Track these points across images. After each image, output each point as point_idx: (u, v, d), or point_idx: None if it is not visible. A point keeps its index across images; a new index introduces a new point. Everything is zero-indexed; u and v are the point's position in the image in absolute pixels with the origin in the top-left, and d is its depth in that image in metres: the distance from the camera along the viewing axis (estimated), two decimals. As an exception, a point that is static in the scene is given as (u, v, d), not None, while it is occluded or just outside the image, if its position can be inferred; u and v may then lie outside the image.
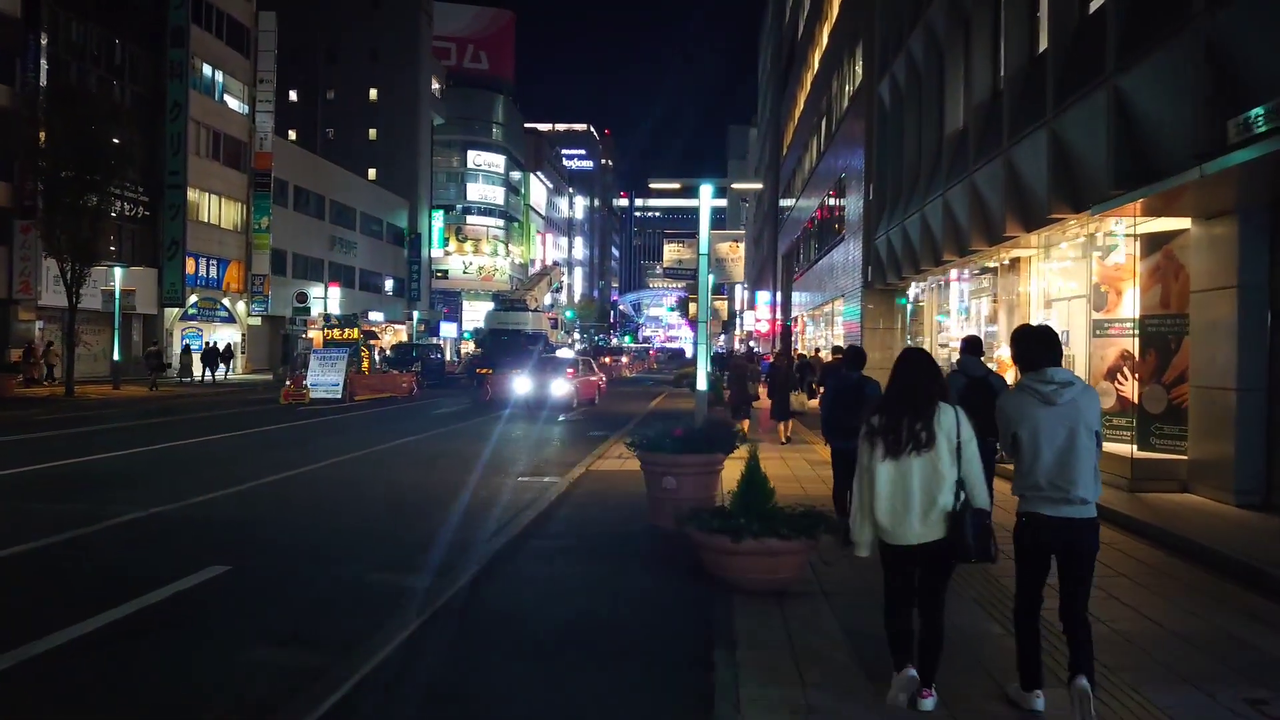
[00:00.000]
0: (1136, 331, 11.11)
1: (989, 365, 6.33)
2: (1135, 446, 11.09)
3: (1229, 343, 9.70)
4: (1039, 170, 12.18)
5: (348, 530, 9.31)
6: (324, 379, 26.26)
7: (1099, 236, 12.28)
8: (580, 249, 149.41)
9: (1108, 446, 11.55)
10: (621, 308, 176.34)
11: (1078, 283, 14.35)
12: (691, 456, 8.51)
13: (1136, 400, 11.28)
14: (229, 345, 45.17)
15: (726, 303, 38.81)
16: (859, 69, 27.11)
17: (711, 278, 12.72)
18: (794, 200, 47.63)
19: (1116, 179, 9.81)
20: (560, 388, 25.37)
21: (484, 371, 35.27)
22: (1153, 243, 10.89)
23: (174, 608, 6.59)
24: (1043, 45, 12.73)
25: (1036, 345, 4.56)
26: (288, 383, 27.33)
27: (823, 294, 34.80)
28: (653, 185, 14.05)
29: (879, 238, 23.31)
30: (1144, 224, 10.81)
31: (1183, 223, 10.54)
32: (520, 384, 25.57)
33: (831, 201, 32.50)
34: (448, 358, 61.13)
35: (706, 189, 14.14)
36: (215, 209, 47.11)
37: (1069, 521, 4.34)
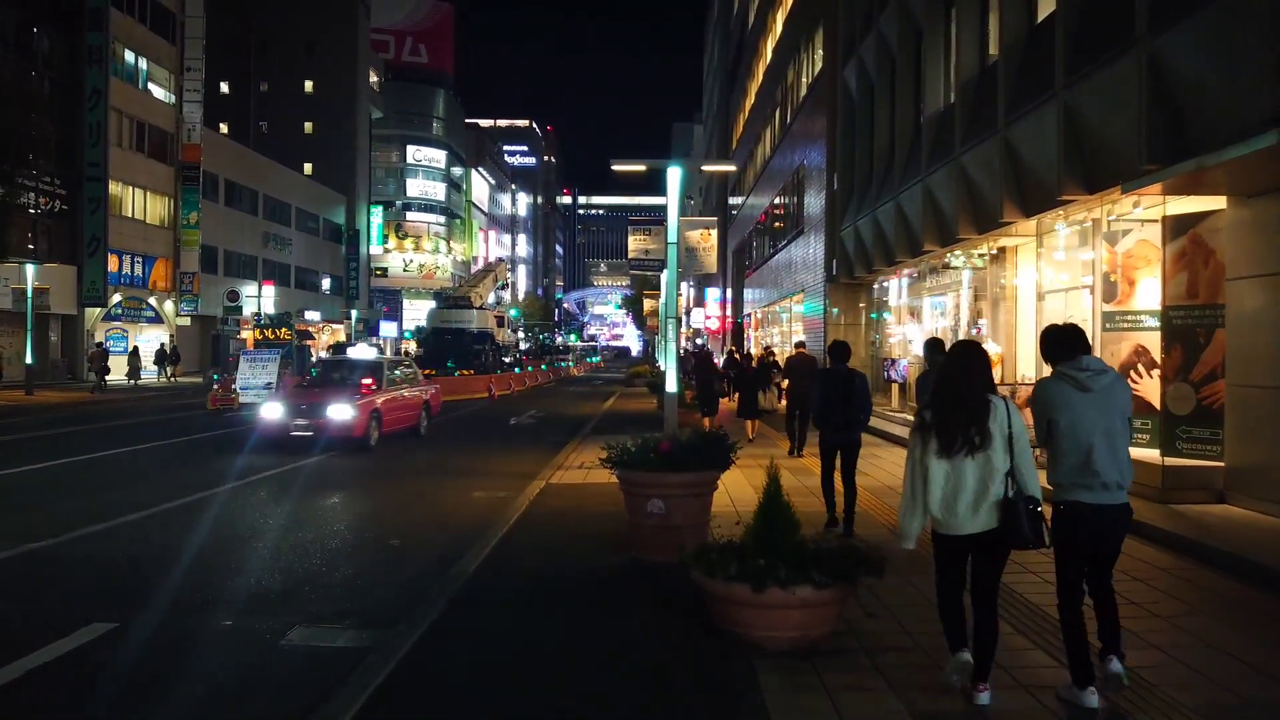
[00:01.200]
0: (1160, 325, 10.04)
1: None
2: (1159, 451, 10.03)
3: (1272, 336, 8.65)
4: (1045, 149, 11.08)
5: (264, 569, 7.82)
6: (254, 382, 24.43)
7: (1105, 222, 11.22)
8: (524, 246, 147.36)
9: (1135, 453, 10.49)
10: (566, 306, 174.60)
11: (1069, 274, 13.35)
12: (682, 475, 7.17)
13: (1159, 400, 10.22)
14: (175, 347, 42.92)
15: (680, 299, 37.63)
16: (819, 55, 26.01)
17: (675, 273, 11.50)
18: (745, 195, 46.59)
19: (1150, 153, 8.70)
20: (340, 413, 15.53)
21: (426, 373, 33.64)
22: (1177, 226, 9.82)
23: (30, 688, 5.09)
24: (1047, 8, 11.63)
25: (1067, 338, 4.62)
26: (215, 387, 25.41)
27: (779, 290, 33.73)
28: (616, 168, 12.71)
29: (845, 229, 22.22)
30: (1171, 204, 9.74)
31: (1213, 203, 9.48)
32: (270, 410, 16.30)
33: (788, 194, 31.42)
34: (388, 357, 59.28)
35: (675, 172, 12.84)
36: (140, 203, 44.68)
37: (1109, 508, 4.40)
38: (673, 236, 12.71)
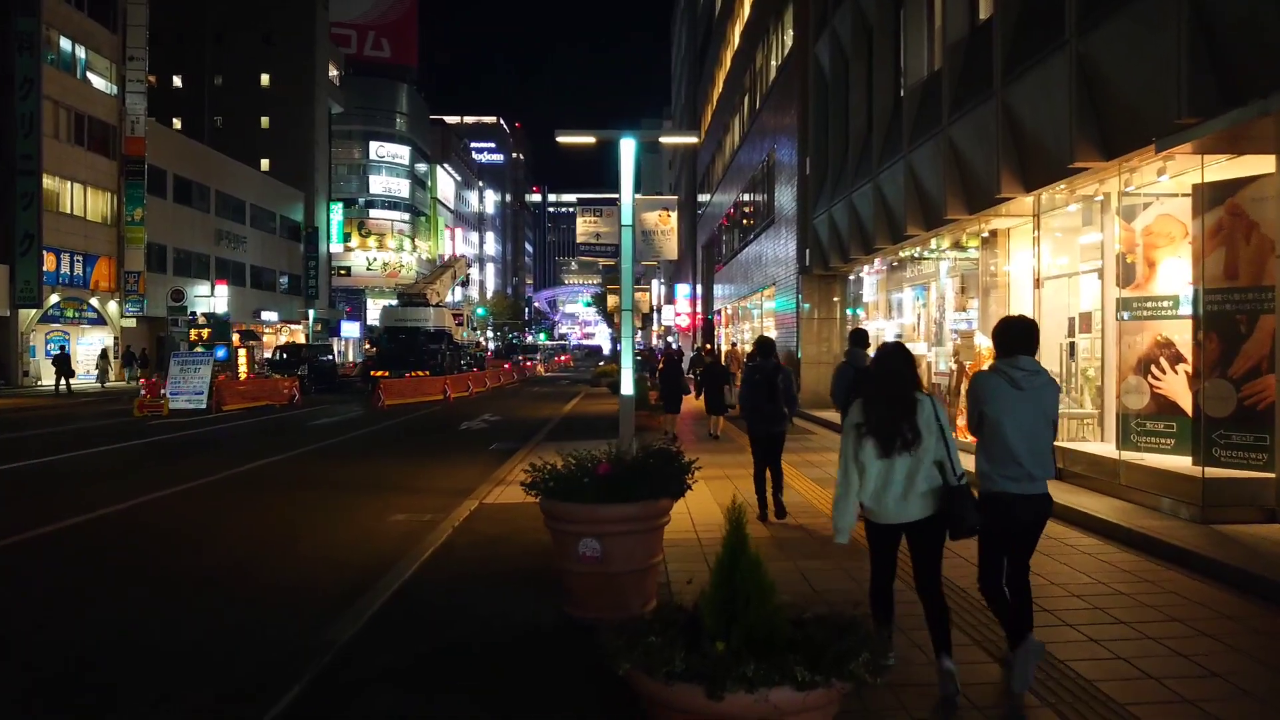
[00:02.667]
0: (1194, 312, 8.60)
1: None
2: (1191, 460, 8.60)
3: (1334, 323, 7.23)
4: (1053, 109, 9.61)
5: (138, 621, 6.21)
6: (185, 386, 22.63)
7: (1119, 195, 9.79)
8: (492, 244, 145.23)
9: (1152, 460, 9.05)
10: (536, 305, 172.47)
11: (1071, 257, 11.95)
12: (624, 507, 5.55)
13: (1189, 401, 8.80)
14: (144, 350, 40.92)
15: (648, 295, 36.09)
16: (789, 36, 24.54)
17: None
18: (714, 188, 45.13)
19: (1191, 104, 7.24)
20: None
21: (379, 374, 31.91)
22: (1213, 195, 8.37)
23: None
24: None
25: (1017, 335, 4.76)
26: (142, 391, 23.55)
27: (749, 285, 32.27)
28: (561, 139, 11.16)
29: (818, 217, 20.75)
30: (1208, 169, 8.29)
31: (1258, 166, 8.05)
32: None
33: (758, 185, 29.95)
34: (350, 359, 56.99)
35: (628, 144, 11.29)
36: (80, 199, 42.44)
37: (1031, 498, 4.64)
38: (627, 218, 11.17)
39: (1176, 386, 9.18)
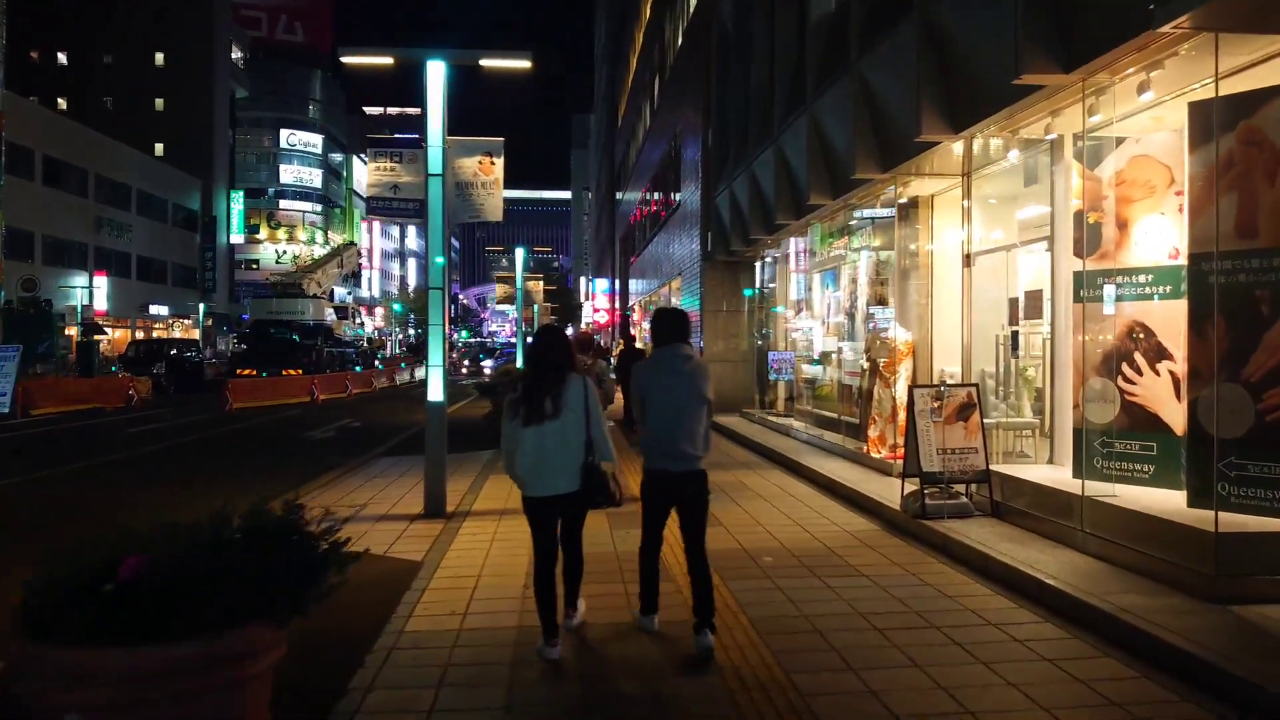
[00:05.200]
0: (1187, 288, 6.04)
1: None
2: (1186, 498, 6.04)
3: None
4: (997, 16, 7.00)
5: None
6: (-18, 388, 19.12)
7: (1079, 136, 7.23)
8: (415, 239, 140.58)
9: (1127, 494, 6.46)
10: (465, 302, 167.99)
11: (1006, 230, 9.47)
12: (149, 653, 2.74)
13: (1180, 413, 6.26)
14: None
15: (539, 284, 33.50)
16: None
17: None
18: (629, 178, 42.43)
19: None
20: None
21: (245, 373, 28.54)
22: (1223, 115, 5.78)
23: None
24: None
25: (669, 325, 5.12)
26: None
27: (659, 278, 29.61)
28: (345, 61, 8.18)
29: (720, 194, 18.10)
30: (1206, 84, 5.71)
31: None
32: None
33: (667, 168, 27.26)
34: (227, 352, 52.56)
35: (436, 67, 8.45)
36: (-78, 178, 38.10)
37: (686, 474, 4.94)
38: (436, 164, 8.35)
39: (1158, 392, 6.62)
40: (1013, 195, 9.25)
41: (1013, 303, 8.47)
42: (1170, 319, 6.49)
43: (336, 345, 35.72)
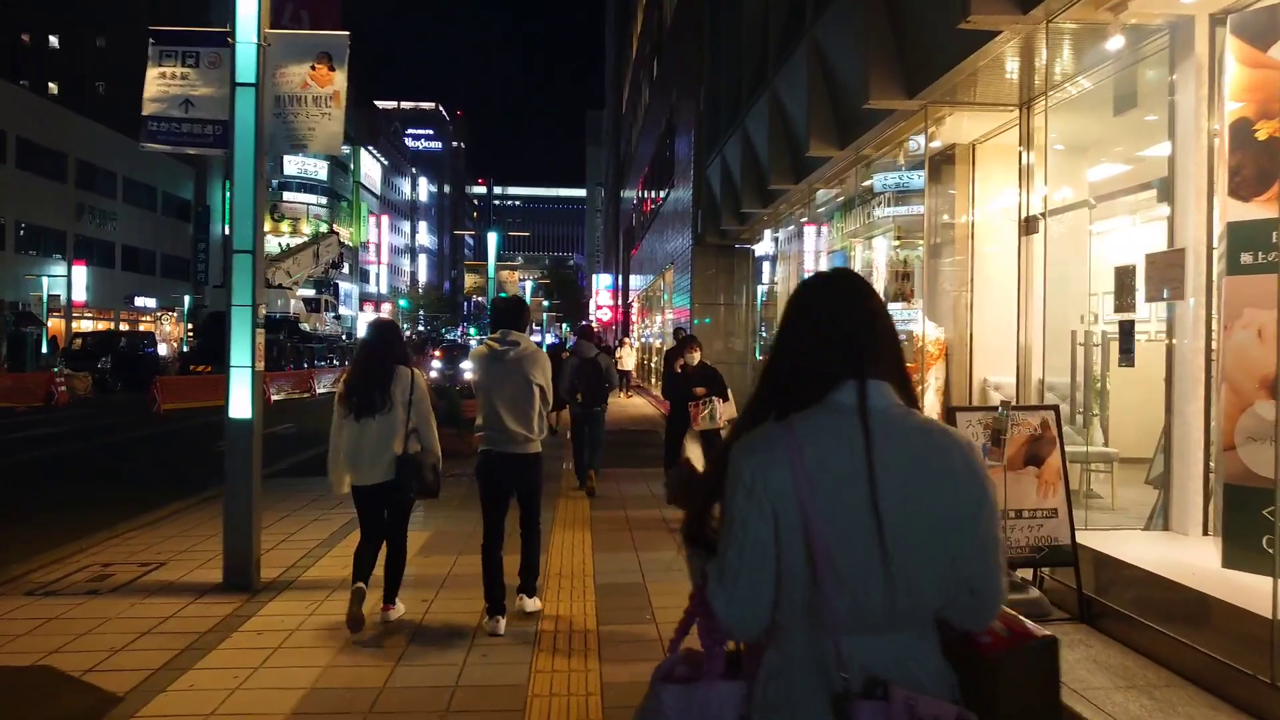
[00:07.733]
0: None
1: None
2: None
3: None
4: None
5: None
6: None
7: (1204, 18, 4.37)
8: (426, 235, 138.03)
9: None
10: (479, 299, 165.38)
11: (1076, 185, 6.63)
12: None
13: None
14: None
15: (515, 274, 30.56)
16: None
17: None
18: (631, 166, 39.64)
19: None
20: None
21: (200, 369, 25.90)
22: None
23: None
24: None
25: (503, 312, 5.30)
26: None
27: (654, 271, 26.82)
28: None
29: (711, 163, 15.25)
30: None
31: None
32: None
33: (663, 144, 24.42)
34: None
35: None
36: (-122, 159, 35.75)
37: (514, 456, 5.05)
38: (248, 71, 5.56)
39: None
40: (1096, 134, 6.39)
41: (1123, 273, 5.42)
42: None
43: (304, 340, 33.01)
